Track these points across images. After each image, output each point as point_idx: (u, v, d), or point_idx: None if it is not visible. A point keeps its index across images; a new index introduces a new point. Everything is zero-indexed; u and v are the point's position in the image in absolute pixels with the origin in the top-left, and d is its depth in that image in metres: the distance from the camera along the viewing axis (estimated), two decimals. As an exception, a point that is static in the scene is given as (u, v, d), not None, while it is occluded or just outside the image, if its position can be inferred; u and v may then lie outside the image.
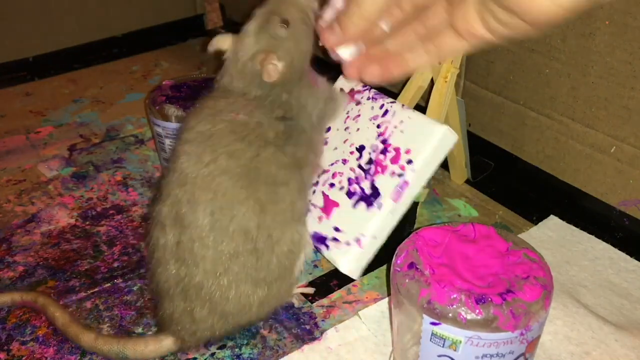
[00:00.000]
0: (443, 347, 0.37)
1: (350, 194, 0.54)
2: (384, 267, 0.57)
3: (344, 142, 0.57)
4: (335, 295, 0.54)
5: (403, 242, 0.43)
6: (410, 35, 0.43)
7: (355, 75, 0.45)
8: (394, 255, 0.42)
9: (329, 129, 0.60)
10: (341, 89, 0.60)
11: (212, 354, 0.49)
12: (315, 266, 0.57)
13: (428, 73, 0.60)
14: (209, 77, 0.70)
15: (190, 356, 0.48)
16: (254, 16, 0.51)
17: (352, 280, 0.54)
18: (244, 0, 1.04)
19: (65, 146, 0.78)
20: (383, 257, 0.54)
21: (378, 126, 0.55)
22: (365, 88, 0.59)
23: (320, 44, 0.45)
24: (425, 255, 0.40)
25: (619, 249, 0.57)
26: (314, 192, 0.57)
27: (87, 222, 0.64)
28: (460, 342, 0.37)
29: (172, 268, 0.46)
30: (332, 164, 0.57)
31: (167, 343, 0.48)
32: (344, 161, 0.57)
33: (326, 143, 0.59)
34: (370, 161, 0.54)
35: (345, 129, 0.58)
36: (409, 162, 0.52)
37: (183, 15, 1.08)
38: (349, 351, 0.48)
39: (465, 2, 0.37)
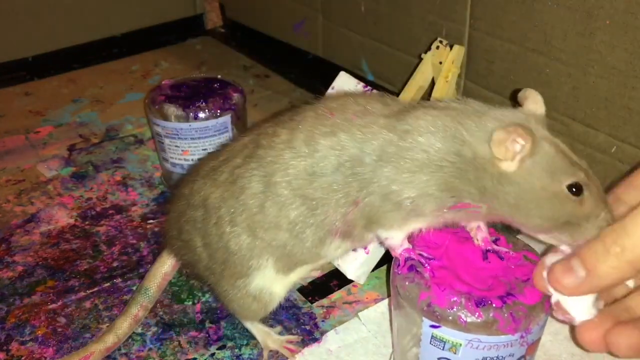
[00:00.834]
0: (443, 350, 0.37)
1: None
2: (384, 267, 0.56)
3: None
4: (335, 295, 0.54)
5: (403, 244, 0.42)
6: None
7: (597, 347, 0.33)
8: (394, 258, 0.42)
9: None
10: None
11: (212, 354, 0.49)
12: (315, 267, 0.57)
13: (429, 73, 0.60)
14: (208, 77, 0.69)
15: (190, 356, 0.48)
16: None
17: (352, 280, 0.54)
18: (244, 0, 1.04)
19: (64, 146, 0.78)
20: (383, 257, 0.54)
21: None
22: (367, 88, 0.59)
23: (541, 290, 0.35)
24: (425, 258, 0.40)
25: (620, 250, 0.57)
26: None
27: (87, 222, 0.64)
28: (460, 345, 0.37)
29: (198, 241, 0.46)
30: None
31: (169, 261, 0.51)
32: None
33: None
34: None
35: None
36: None
37: (183, 15, 1.08)
38: (348, 353, 0.48)
39: None
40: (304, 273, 0.47)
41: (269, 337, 0.48)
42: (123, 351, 0.49)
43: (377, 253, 0.53)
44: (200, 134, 0.63)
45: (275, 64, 0.98)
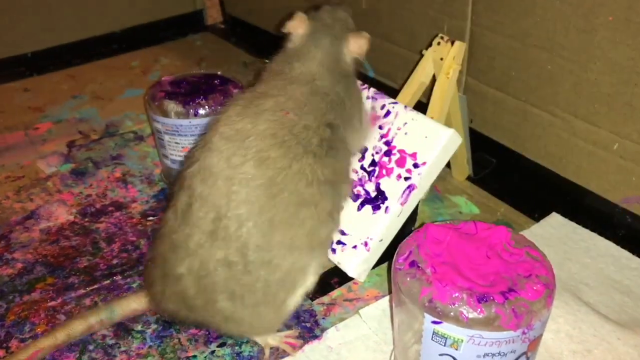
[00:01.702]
0: (444, 346, 0.37)
1: (354, 196, 0.54)
2: (385, 264, 0.56)
3: None
4: (335, 293, 0.54)
5: (404, 241, 0.42)
6: None
7: None
8: (396, 254, 0.41)
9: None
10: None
11: (212, 352, 0.48)
12: (316, 263, 0.57)
13: (430, 69, 0.60)
14: (208, 73, 0.69)
15: (190, 354, 0.48)
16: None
17: (352, 278, 0.54)
18: (244, -4, 1.04)
19: (64, 142, 0.78)
20: (384, 254, 0.54)
21: (380, 127, 0.55)
22: (364, 87, 0.58)
23: None
24: (426, 254, 0.40)
25: (621, 247, 0.57)
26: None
27: (86, 219, 0.64)
28: (462, 341, 0.36)
29: (169, 253, 0.45)
30: None
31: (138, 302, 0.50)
32: None
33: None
34: (373, 163, 0.54)
35: (346, 126, 0.58)
36: (415, 165, 0.51)
37: (182, 11, 1.08)
38: (349, 350, 0.48)
39: None
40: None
41: (268, 335, 0.48)
42: (123, 349, 0.49)
43: (378, 250, 0.53)
44: (200, 131, 0.63)
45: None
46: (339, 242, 0.54)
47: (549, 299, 0.37)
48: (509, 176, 0.68)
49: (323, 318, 0.51)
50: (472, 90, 0.69)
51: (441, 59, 0.58)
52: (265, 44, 1.01)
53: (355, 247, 0.53)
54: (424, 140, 0.52)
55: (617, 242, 0.57)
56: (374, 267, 0.55)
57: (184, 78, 0.68)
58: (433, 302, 0.37)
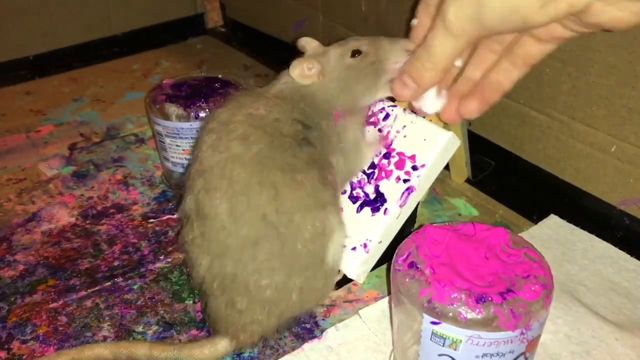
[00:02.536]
0: (443, 346, 0.37)
1: (353, 199, 0.54)
2: (384, 266, 0.57)
3: None
4: (335, 294, 0.54)
5: (403, 242, 0.43)
6: (488, 56, 0.44)
7: (457, 119, 0.47)
8: (395, 255, 0.42)
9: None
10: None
11: (213, 353, 0.49)
12: (316, 265, 0.58)
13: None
14: (209, 76, 0.69)
15: (191, 355, 0.48)
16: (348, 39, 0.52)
17: (352, 279, 0.54)
18: (245, 0, 1.04)
19: (65, 145, 0.78)
20: (383, 256, 0.54)
21: (380, 130, 0.55)
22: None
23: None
24: (425, 255, 0.40)
25: (620, 248, 0.57)
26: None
27: (88, 221, 0.64)
28: (461, 341, 0.37)
29: (205, 263, 0.46)
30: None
31: (222, 344, 0.47)
32: None
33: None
34: (372, 165, 0.54)
35: (345, 129, 0.58)
36: (414, 167, 0.52)
37: (183, 14, 1.08)
38: (349, 350, 0.48)
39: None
40: None
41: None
42: (124, 350, 0.49)
43: (377, 252, 0.53)
44: (201, 133, 0.63)
45: (276, 64, 0.98)
46: (338, 244, 0.54)
47: (547, 300, 0.37)
48: (507, 178, 0.68)
49: (323, 319, 0.52)
50: (471, 93, 0.69)
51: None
52: (266, 47, 1.01)
53: (354, 248, 0.53)
54: (422, 143, 0.52)
55: (615, 244, 0.58)
56: (373, 269, 0.55)
57: (185, 81, 0.68)
58: (432, 302, 0.37)
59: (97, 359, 0.47)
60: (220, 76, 0.70)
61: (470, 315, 0.36)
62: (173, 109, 0.63)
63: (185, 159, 0.65)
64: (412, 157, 0.52)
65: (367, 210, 0.53)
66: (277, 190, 0.44)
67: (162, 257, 0.59)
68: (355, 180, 0.55)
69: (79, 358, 0.47)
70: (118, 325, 0.51)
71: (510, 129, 0.66)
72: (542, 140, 0.63)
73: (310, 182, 0.46)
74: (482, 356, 0.37)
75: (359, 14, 0.80)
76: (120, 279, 0.56)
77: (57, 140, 0.80)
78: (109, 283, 0.56)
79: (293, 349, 0.48)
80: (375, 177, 0.54)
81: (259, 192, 0.44)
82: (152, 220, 0.64)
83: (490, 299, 0.36)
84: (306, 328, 0.51)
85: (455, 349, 0.37)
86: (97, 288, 0.55)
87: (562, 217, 0.61)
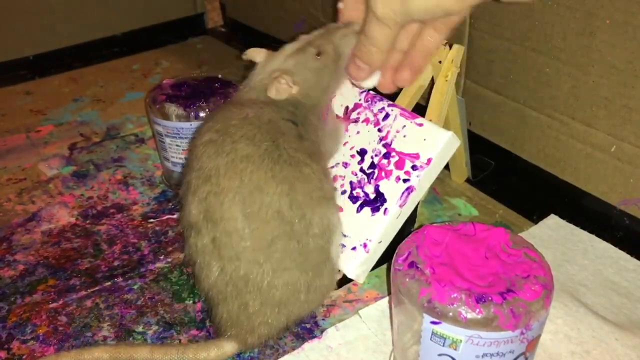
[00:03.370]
0: (443, 346, 0.37)
1: (353, 199, 0.54)
2: (384, 266, 0.57)
3: (344, 144, 0.57)
4: (335, 294, 0.54)
5: (403, 242, 0.43)
6: (413, 26, 0.49)
7: (392, 88, 0.53)
8: (395, 255, 0.42)
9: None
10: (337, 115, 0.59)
11: (213, 353, 0.49)
12: (316, 265, 0.58)
13: (428, 72, 0.60)
14: (209, 76, 0.70)
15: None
16: (295, 40, 0.54)
17: (352, 279, 0.54)
18: (245, 0, 1.04)
19: (65, 145, 0.78)
20: (383, 256, 0.54)
21: (379, 130, 0.55)
22: (363, 90, 0.59)
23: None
24: (425, 255, 0.40)
25: (620, 248, 0.57)
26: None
27: (88, 221, 0.64)
28: (461, 341, 0.37)
29: (216, 269, 0.45)
30: (332, 167, 0.57)
31: (229, 347, 0.47)
32: (345, 164, 0.56)
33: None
34: (372, 165, 0.54)
35: (344, 131, 0.58)
36: (414, 167, 0.52)
37: (183, 14, 1.08)
38: (349, 350, 0.48)
39: None
40: None
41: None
42: (124, 354, 0.49)
43: (377, 252, 0.53)
44: (201, 133, 0.63)
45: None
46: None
47: (547, 300, 0.37)
48: (507, 178, 0.68)
49: (323, 319, 0.52)
50: (470, 93, 0.69)
51: (440, 62, 0.58)
52: (266, 47, 1.01)
53: (354, 248, 0.53)
54: (422, 143, 0.52)
55: (615, 244, 0.58)
56: (373, 269, 0.55)
57: (185, 81, 0.68)
58: (432, 302, 0.37)
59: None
60: (220, 76, 0.70)
61: (471, 315, 0.36)
62: (173, 109, 0.63)
63: (185, 158, 0.65)
64: (412, 157, 0.52)
65: (367, 210, 0.53)
66: (290, 184, 0.45)
67: (162, 257, 0.59)
68: (355, 180, 0.55)
69: None
70: (118, 325, 0.51)
71: (511, 129, 0.66)
72: (542, 140, 0.63)
73: (316, 174, 0.47)
74: (482, 356, 0.37)
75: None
76: (120, 279, 0.56)
77: (57, 140, 0.80)
78: (109, 283, 0.56)
79: (293, 349, 0.48)
80: (375, 177, 0.54)
81: (274, 187, 0.44)
82: (152, 220, 0.64)
83: (490, 299, 0.36)
84: (306, 328, 0.51)
85: (455, 349, 0.37)
86: (97, 288, 0.55)
87: (562, 217, 0.61)
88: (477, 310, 0.36)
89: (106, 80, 0.95)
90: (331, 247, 0.48)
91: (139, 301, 0.54)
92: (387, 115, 0.56)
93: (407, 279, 0.39)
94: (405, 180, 0.52)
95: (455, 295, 0.36)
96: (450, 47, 0.57)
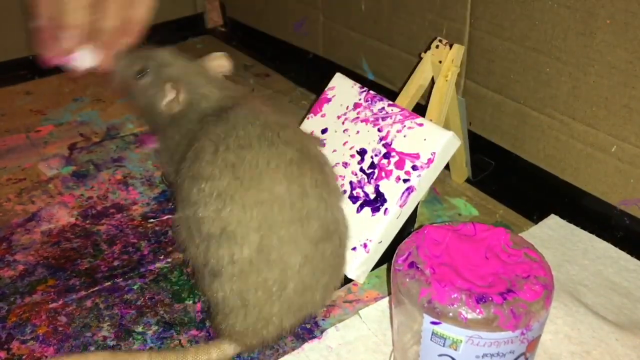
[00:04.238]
0: (443, 346, 0.37)
1: (353, 198, 0.54)
2: (384, 266, 0.57)
3: (344, 144, 0.57)
4: (335, 294, 0.54)
5: (403, 242, 0.43)
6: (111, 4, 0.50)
7: (111, 62, 0.54)
8: (395, 255, 0.42)
9: (326, 130, 0.60)
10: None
11: (213, 353, 0.49)
12: (316, 265, 0.57)
13: (429, 72, 0.60)
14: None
15: (191, 355, 0.48)
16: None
17: (352, 279, 0.54)
18: (245, -1, 1.04)
19: (65, 145, 0.78)
20: (383, 256, 0.54)
21: (379, 130, 0.55)
22: (363, 90, 0.59)
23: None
24: (425, 255, 0.40)
25: (620, 248, 0.57)
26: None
27: (88, 221, 0.64)
28: (461, 341, 0.37)
29: (256, 278, 0.43)
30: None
31: (230, 348, 0.47)
32: (345, 164, 0.56)
33: (324, 145, 0.59)
34: (372, 165, 0.54)
35: (343, 131, 0.58)
36: (414, 167, 0.52)
37: (183, 14, 1.08)
38: (349, 350, 0.48)
39: None
40: None
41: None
42: (124, 350, 0.49)
43: (377, 252, 0.53)
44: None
45: (276, 63, 0.98)
46: (338, 244, 0.54)
47: (548, 300, 0.37)
48: (507, 178, 0.68)
49: (323, 319, 0.51)
50: (470, 93, 0.69)
51: (440, 61, 0.58)
52: (266, 47, 1.01)
53: (354, 248, 0.53)
54: (422, 143, 0.52)
55: (616, 244, 0.58)
56: (373, 269, 0.55)
57: (185, 81, 0.68)
58: (432, 302, 0.37)
59: None
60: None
61: (471, 315, 0.36)
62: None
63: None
64: (412, 157, 0.52)
65: (367, 210, 0.53)
66: (325, 188, 0.45)
67: (162, 257, 0.59)
68: (355, 180, 0.55)
69: None
70: (118, 325, 0.51)
71: (511, 129, 0.66)
72: (542, 140, 0.63)
73: (330, 172, 0.48)
74: (483, 356, 0.37)
75: (359, 14, 0.80)
76: (120, 279, 0.56)
77: (57, 140, 0.80)
78: (109, 283, 0.56)
79: (293, 349, 0.48)
80: (375, 177, 0.54)
81: (315, 198, 0.44)
82: (152, 220, 0.64)
83: (490, 299, 0.36)
84: (306, 328, 0.51)
85: (455, 349, 0.37)
86: (97, 288, 0.55)
87: (562, 217, 0.61)
88: (478, 310, 0.36)
89: (106, 80, 0.95)
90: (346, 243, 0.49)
91: (139, 301, 0.54)
92: (387, 115, 0.56)
93: (407, 279, 0.39)
94: (405, 180, 0.52)
95: (455, 295, 0.36)
96: (451, 47, 0.57)
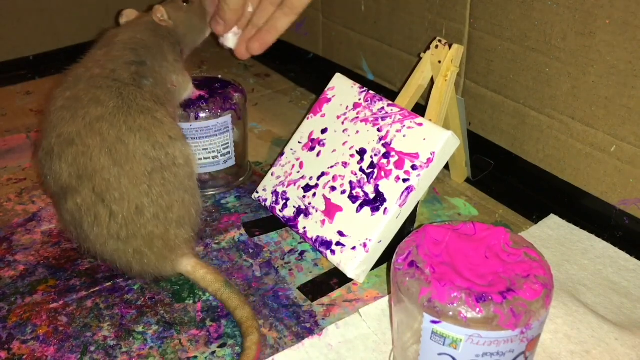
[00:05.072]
0: (443, 345, 0.38)
1: (353, 198, 0.55)
2: (384, 265, 0.57)
3: (343, 144, 0.58)
4: (335, 293, 0.54)
5: (403, 241, 0.43)
6: (268, 7, 0.62)
7: (245, 55, 0.65)
8: (395, 254, 0.42)
9: (325, 130, 0.60)
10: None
11: (213, 353, 0.49)
12: (316, 265, 0.58)
13: (428, 72, 0.61)
14: (209, 76, 0.70)
15: (191, 354, 0.49)
16: None
17: (352, 278, 0.55)
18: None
19: (65, 145, 0.78)
20: (383, 256, 0.54)
21: (379, 129, 0.55)
22: (363, 90, 0.59)
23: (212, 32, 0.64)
24: (425, 254, 0.40)
25: (619, 248, 0.57)
26: (314, 194, 0.58)
27: (88, 221, 0.64)
28: (461, 340, 0.37)
29: (105, 216, 0.50)
30: (331, 167, 0.57)
31: (185, 261, 0.54)
32: (345, 164, 0.57)
33: (323, 145, 0.59)
34: (372, 165, 0.55)
35: (343, 131, 0.58)
36: (414, 167, 0.52)
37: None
38: (349, 349, 0.48)
39: None
40: None
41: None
42: (124, 350, 0.49)
43: (377, 252, 0.54)
44: (201, 134, 0.63)
45: (276, 63, 0.98)
46: (338, 244, 0.54)
47: (547, 299, 0.38)
48: (507, 178, 0.68)
49: (323, 319, 0.52)
50: (470, 93, 0.69)
51: (439, 61, 0.58)
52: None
53: (354, 248, 0.53)
54: (422, 143, 0.52)
55: (615, 244, 0.58)
56: (373, 268, 0.55)
57: (185, 81, 0.68)
58: (432, 301, 0.37)
59: None
60: (220, 76, 0.70)
61: (471, 314, 0.36)
62: (173, 109, 0.63)
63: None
64: (412, 157, 0.52)
65: (367, 209, 0.53)
66: (147, 131, 0.51)
67: (162, 257, 0.59)
68: (355, 180, 0.55)
69: None
70: (118, 325, 0.51)
71: (510, 129, 0.66)
72: (542, 140, 0.63)
73: (167, 117, 0.54)
74: (483, 355, 0.37)
75: (359, 14, 0.80)
76: (121, 279, 0.56)
77: (57, 140, 0.80)
78: (109, 283, 0.56)
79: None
80: (375, 176, 0.54)
81: (134, 137, 0.51)
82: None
83: (490, 298, 0.36)
84: (306, 327, 0.51)
85: (455, 348, 0.37)
86: (97, 288, 0.55)
87: (562, 217, 0.61)
88: (477, 309, 0.36)
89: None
90: (194, 173, 0.56)
91: (139, 301, 0.54)
92: (386, 115, 0.56)
93: (407, 278, 0.39)
94: (405, 180, 0.52)
95: (455, 294, 0.37)
96: (450, 47, 0.58)
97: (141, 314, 0.53)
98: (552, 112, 0.61)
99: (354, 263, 0.53)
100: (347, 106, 0.59)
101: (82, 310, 0.53)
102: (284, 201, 0.60)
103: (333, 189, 0.56)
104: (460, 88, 0.69)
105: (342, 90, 0.60)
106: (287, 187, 0.60)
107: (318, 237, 0.55)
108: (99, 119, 0.50)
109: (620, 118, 0.55)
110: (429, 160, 0.52)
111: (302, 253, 0.59)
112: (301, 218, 0.58)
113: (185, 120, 0.63)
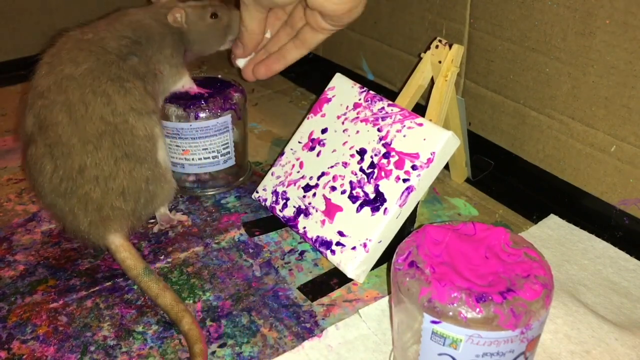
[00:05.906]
0: (443, 345, 0.38)
1: (353, 198, 0.55)
2: (384, 265, 0.57)
3: (343, 144, 0.58)
4: (335, 293, 0.54)
5: (403, 241, 0.43)
6: (283, 37, 0.64)
7: (251, 78, 0.66)
8: (395, 254, 0.42)
9: (325, 130, 0.60)
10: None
11: (213, 353, 0.49)
12: (316, 264, 0.58)
13: (428, 72, 0.61)
14: (209, 76, 0.70)
15: (191, 355, 0.49)
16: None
17: (352, 278, 0.55)
18: None
19: (65, 145, 0.78)
20: (383, 256, 0.54)
21: (379, 129, 0.55)
22: (363, 90, 0.59)
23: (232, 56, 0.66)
24: (425, 254, 0.40)
25: (619, 248, 0.57)
26: (314, 194, 0.58)
27: (88, 221, 0.64)
28: (461, 340, 0.37)
29: (50, 167, 0.53)
30: (331, 167, 0.57)
31: (115, 240, 0.55)
32: (345, 164, 0.57)
33: (324, 144, 0.59)
34: (372, 165, 0.55)
35: (343, 131, 0.58)
36: (414, 167, 0.52)
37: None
38: (349, 350, 0.48)
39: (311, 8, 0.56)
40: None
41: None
42: (124, 349, 0.49)
43: (377, 252, 0.54)
44: (201, 134, 0.63)
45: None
46: (338, 244, 0.54)
47: (547, 299, 0.38)
48: (507, 178, 0.69)
49: (323, 319, 0.52)
50: (470, 93, 0.69)
51: (439, 62, 0.58)
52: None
53: (354, 248, 0.53)
54: (422, 143, 0.52)
55: (615, 244, 0.58)
56: (373, 268, 0.55)
57: (185, 81, 0.68)
58: (432, 301, 0.37)
59: None
60: (220, 76, 0.70)
61: (471, 314, 0.36)
62: (173, 109, 0.63)
63: (185, 159, 0.65)
64: (412, 157, 0.52)
65: (367, 209, 0.53)
66: (110, 97, 0.53)
67: (162, 257, 0.59)
68: (355, 180, 0.55)
69: None
70: (118, 325, 0.51)
71: (510, 129, 0.66)
72: (542, 140, 0.63)
73: (137, 90, 0.55)
74: (483, 355, 0.37)
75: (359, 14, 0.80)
76: (121, 279, 0.56)
77: (57, 140, 0.80)
78: (109, 283, 0.56)
79: (293, 348, 0.48)
80: (375, 176, 0.54)
81: (94, 100, 0.52)
82: (152, 220, 0.64)
83: (490, 298, 0.36)
84: (306, 327, 0.51)
85: (455, 348, 0.37)
86: (97, 288, 0.56)
87: (562, 217, 0.61)
88: (477, 309, 0.36)
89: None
90: (158, 152, 0.56)
91: (139, 301, 0.54)
92: (386, 115, 0.56)
93: (407, 278, 0.39)
94: (405, 180, 0.52)
95: (455, 294, 0.37)
96: (450, 47, 0.58)
97: (141, 314, 0.53)
98: (552, 112, 0.61)
99: (354, 263, 0.53)
100: (347, 106, 0.59)
101: (82, 310, 0.53)
102: (284, 201, 0.60)
103: (333, 188, 0.56)
104: (460, 88, 0.69)
105: (342, 90, 0.60)
106: (287, 187, 0.60)
107: (318, 237, 0.55)
108: (68, 78, 0.53)
109: (620, 118, 0.55)
110: (429, 160, 0.52)
111: (302, 253, 0.59)
112: (301, 218, 0.58)
113: (185, 120, 0.63)
